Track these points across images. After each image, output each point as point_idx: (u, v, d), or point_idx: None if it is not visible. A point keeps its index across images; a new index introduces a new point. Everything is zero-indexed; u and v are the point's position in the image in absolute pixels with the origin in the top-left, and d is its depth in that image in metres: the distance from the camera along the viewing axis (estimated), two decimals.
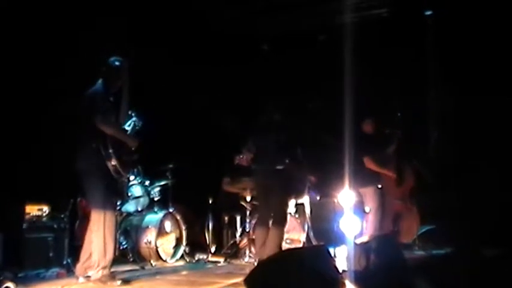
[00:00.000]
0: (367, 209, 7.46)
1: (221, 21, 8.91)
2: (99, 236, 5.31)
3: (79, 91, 5.53)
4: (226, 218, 8.19)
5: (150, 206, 7.41)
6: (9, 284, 5.04)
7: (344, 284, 4.35)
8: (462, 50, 7.92)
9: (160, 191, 7.52)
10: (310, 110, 7.71)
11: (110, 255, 5.36)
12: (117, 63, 5.64)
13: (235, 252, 7.55)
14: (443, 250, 6.92)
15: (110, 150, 5.26)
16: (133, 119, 5.96)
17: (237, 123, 8.47)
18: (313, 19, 8.80)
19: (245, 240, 7.38)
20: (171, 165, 7.57)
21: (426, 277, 4.29)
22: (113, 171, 5.31)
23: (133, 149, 5.64)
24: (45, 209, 6.46)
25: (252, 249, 7.15)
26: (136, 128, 5.95)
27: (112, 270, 5.57)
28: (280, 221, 6.48)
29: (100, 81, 5.55)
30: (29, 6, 6.49)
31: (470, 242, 6.14)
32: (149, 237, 7.00)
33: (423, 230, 7.81)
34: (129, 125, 5.91)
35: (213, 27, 8.89)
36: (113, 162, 5.27)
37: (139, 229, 7.10)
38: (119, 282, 5.36)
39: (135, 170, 7.24)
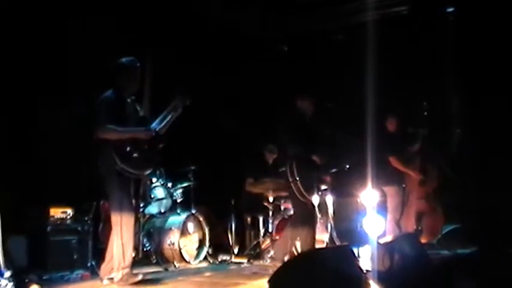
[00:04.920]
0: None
1: (239, 22, 8.93)
2: (117, 238, 5.34)
3: (95, 94, 5.55)
4: (249, 219, 8.18)
5: (173, 207, 7.43)
6: (34, 286, 5.10)
7: (368, 284, 4.32)
8: (484, 47, 7.83)
9: (182, 192, 7.53)
10: (331, 110, 7.66)
11: (129, 256, 5.39)
12: (130, 62, 5.64)
13: (258, 253, 7.53)
14: (468, 249, 6.84)
15: (114, 156, 5.26)
16: (175, 102, 5.82)
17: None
18: (333, 19, 8.78)
19: (268, 241, 7.37)
20: (193, 167, 7.58)
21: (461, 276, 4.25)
22: (123, 173, 5.32)
23: (149, 139, 5.57)
24: (69, 211, 6.52)
25: None
26: (176, 111, 5.83)
27: (135, 271, 5.59)
28: (297, 220, 6.55)
29: (113, 85, 5.56)
30: (37, 5, 6.52)
31: (496, 241, 6.06)
32: (172, 238, 7.02)
33: (448, 229, 7.74)
34: (169, 109, 5.81)
35: (233, 29, 8.92)
36: (120, 165, 5.28)
37: (162, 231, 7.13)
38: (140, 276, 5.41)
39: (158, 172, 7.26)
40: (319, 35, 9.09)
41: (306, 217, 6.54)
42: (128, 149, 5.36)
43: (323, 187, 7.23)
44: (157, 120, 5.72)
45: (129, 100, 5.65)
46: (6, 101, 6.24)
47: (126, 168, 5.30)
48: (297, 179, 6.26)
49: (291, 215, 7.57)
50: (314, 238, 6.64)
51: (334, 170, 7.21)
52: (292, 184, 6.32)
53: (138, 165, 5.43)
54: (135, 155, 5.38)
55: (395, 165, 7.42)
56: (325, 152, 6.64)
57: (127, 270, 5.36)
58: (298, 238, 6.45)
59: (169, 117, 5.76)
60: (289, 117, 6.68)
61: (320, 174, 6.69)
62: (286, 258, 6.32)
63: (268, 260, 7.04)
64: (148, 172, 5.75)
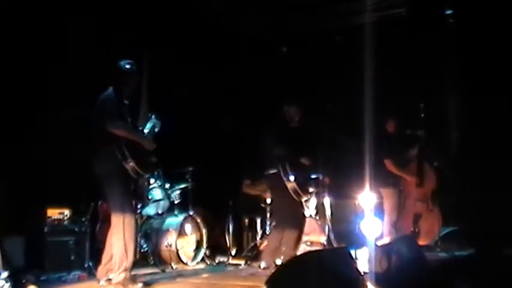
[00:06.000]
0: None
1: (238, 22, 8.94)
2: (119, 239, 5.32)
3: (93, 94, 5.55)
4: (246, 221, 8.17)
5: (171, 209, 7.42)
6: (31, 286, 5.10)
7: (365, 286, 4.32)
8: (483, 49, 7.84)
9: (180, 193, 7.52)
10: (329, 111, 7.68)
11: (130, 258, 5.37)
12: (127, 66, 5.63)
13: (255, 255, 7.51)
14: (466, 251, 6.85)
15: (126, 152, 5.27)
16: (153, 120, 5.92)
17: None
18: (332, 19, 8.78)
19: (265, 243, 7.36)
20: (191, 168, 7.57)
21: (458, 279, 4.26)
22: (132, 173, 5.33)
23: (152, 150, 5.64)
24: (67, 212, 6.51)
25: None
26: (156, 130, 5.92)
27: (133, 273, 5.58)
28: (284, 222, 6.65)
29: (112, 86, 5.57)
30: (36, 5, 6.52)
31: (494, 243, 6.07)
32: (170, 240, 7.01)
33: (446, 231, 7.73)
34: (148, 127, 5.88)
35: (232, 29, 8.94)
36: (131, 163, 5.29)
37: (160, 232, 7.12)
38: (140, 285, 5.38)
39: (156, 173, 7.25)
40: (317, 35, 9.08)
41: (296, 217, 6.62)
42: (138, 150, 5.40)
43: (311, 189, 7.30)
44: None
45: (124, 105, 5.65)
46: (3, 101, 6.23)
47: (135, 167, 5.31)
48: (293, 178, 6.33)
49: None
50: (300, 238, 6.71)
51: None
52: (287, 184, 6.39)
53: (143, 166, 5.46)
54: (142, 158, 5.45)
55: (390, 169, 7.42)
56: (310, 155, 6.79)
57: (126, 273, 5.33)
58: (288, 240, 6.54)
59: (150, 132, 5.84)
60: (275, 122, 6.84)
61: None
62: (277, 262, 6.34)
63: (263, 264, 7.03)
64: (147, 175, 5.79)
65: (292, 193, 6.44)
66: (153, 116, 5.95)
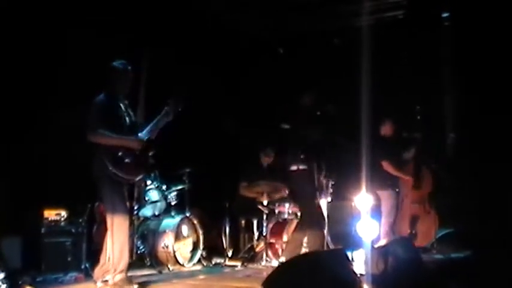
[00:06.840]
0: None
1: (238, 22, 8.95)
2: (114, 240, 5.32)
3: (93, 94, 5.54)
4: (243, 222, 8.17)
5: (167, 210, 7.41)
6: None
7: (362, 287, 4.33)
8: (478, 51, 7.86)
9: (177, 195, 7.51)
10: (326, 113, 7.68)
11: (125, 259, 5.36)
12: (120, 66, 5.60)
13: (252, 256, 7.54)
14: (462, 253, 6.86)
15: (105, 160, 5.25)
16: (167, 107, 5.69)
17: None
18: (329, 21, 8.80)
19: (262, 244, 7.37)
20: (187, 170, 7.57)
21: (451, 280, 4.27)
22: (115, 178, 5.31)
23: (141, 150, 5.57)
24: (63, 213, 6.51)
25: (269, 253, 7.16)
26: (167, 119, 5.71)
27: (129, 274, 5.57)
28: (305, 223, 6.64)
29: (105, 87, 5.55)
30: (36, 6, 6.52)
31: (490, 245, 6.08)
32: (166, 241, 7.00)
33: (442, 233, 7.75)
34: (161, 115, 5.70)
35: (232, 29, 8.95)
36: (112, 170, 5.27)
37: (157, 233, 7.11)
38: (135, 286, 5.37)
39: (152, 174, 7.25)
40: (315, 37, 9.10)
41: (319, 219, 6.60)
42: (120, 154, 5.33)
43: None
44: (148, 128, 5.66)
45: (121, 104, 5.62)
46: (4, 101, 6.23)
47: (117, 173, 5.28)
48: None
49: (285, 219, 7.59)
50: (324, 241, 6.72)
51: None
52: (321, 182, 6.48)
53: (129, 170, 5.40)
54: (126, 160, 5.35)
55: (388, 170, 7.43)
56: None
57: (122, 275, 5.33)
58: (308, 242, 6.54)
59: (160, 123, 5.72)
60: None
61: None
62: None
63: (264, 262, 7.04)
64: (139, 177, 5.73)
65: (318, 192, 6.43)
66: (168, 105, 5.73)
